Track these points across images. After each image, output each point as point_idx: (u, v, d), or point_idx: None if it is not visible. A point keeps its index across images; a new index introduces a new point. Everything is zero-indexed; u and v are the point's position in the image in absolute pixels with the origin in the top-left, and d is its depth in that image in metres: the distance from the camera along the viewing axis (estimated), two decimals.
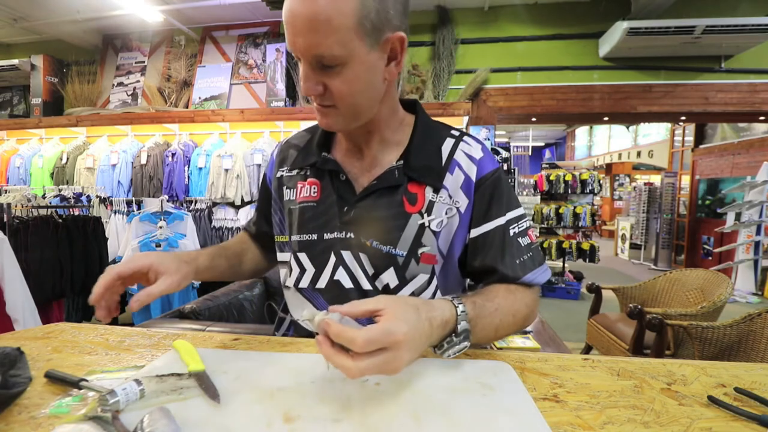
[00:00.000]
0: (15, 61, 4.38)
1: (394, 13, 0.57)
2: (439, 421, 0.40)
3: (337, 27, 0.53)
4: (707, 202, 6.11)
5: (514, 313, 0.61)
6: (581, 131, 11.63)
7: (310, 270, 0.69)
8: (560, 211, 4.73)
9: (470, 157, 0.68)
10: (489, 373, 0.51)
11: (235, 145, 3.57)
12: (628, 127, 9.41)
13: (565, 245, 4.67)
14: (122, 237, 2.99)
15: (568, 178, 4.71)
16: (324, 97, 0.60)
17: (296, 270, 0.71)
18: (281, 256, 0.77)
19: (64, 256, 2.39)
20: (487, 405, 0.43)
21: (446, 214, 0.66)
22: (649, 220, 6.80)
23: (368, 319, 0.46)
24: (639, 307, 1.88)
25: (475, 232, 0.67)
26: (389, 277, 0.65)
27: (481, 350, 0.61)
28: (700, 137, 6.48)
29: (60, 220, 2.41)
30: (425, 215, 0.65)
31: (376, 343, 0.41)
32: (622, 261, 7.35)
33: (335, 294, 0.66)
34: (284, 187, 0.75)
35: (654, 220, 6.71)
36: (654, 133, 8.45)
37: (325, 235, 0.67)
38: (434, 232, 0.65)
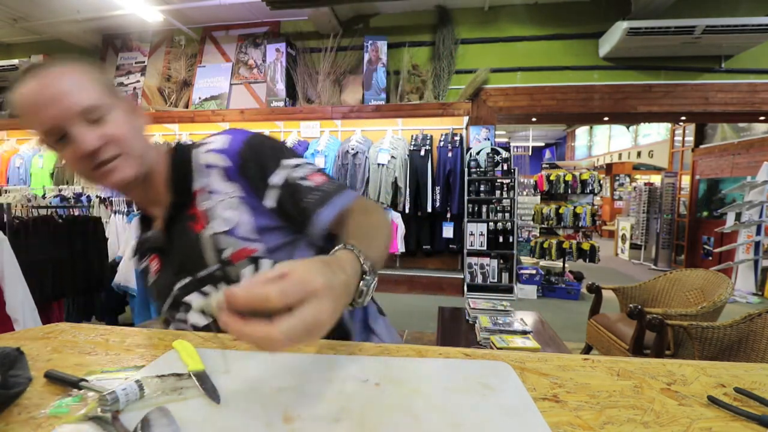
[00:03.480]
0: (15, 61, 4.38)
1: None
2: (439, 421, 0.40)
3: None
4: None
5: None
6: (581, 131, 11.63)
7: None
8: (560, 211, 4.73)
9: (216, 151, 0.69)
10: (489, 373, 0.51)
11: None
12: (628, 127, 9.41)
13: (565, 245, 4.67)
14: (122, 237, 2.99)
15: (568, 178, 4.71)
16: (106, 149, 0.63)
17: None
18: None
19: (64, 256, 2.39)
20: (487, 405, 0.43)
21: (229, 207, 0.67)
22: (649, 220, 6.80)
23: None
24: (639, 307, 1.88)
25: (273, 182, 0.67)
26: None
27: (481, 350, 0.61)
28: (700, 137, 6.48)
29: (60, 221, 2.41)
30: (208, 225, 0.68)
31: (293, 292, 0.36)
32: (622, 261, 7.35)
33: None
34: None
35: (654, 220, 6.71)
36: (654, 133, 8.46)
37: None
38: (226, 232, 0.67)
